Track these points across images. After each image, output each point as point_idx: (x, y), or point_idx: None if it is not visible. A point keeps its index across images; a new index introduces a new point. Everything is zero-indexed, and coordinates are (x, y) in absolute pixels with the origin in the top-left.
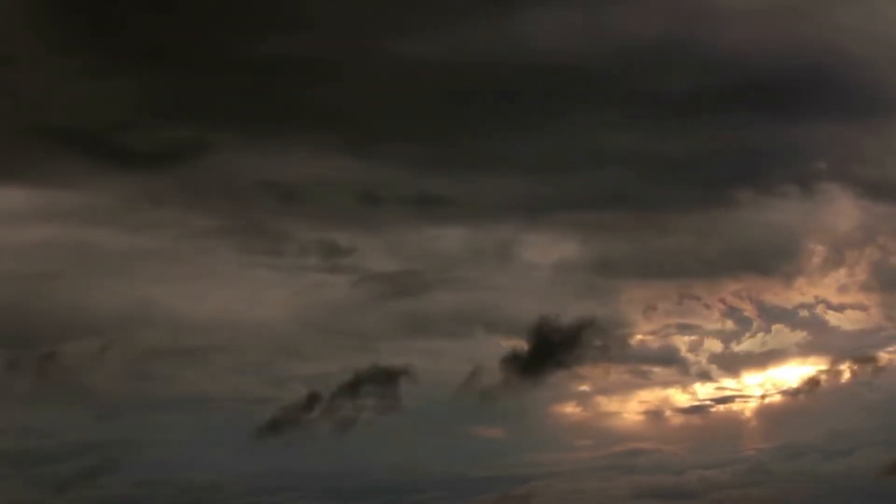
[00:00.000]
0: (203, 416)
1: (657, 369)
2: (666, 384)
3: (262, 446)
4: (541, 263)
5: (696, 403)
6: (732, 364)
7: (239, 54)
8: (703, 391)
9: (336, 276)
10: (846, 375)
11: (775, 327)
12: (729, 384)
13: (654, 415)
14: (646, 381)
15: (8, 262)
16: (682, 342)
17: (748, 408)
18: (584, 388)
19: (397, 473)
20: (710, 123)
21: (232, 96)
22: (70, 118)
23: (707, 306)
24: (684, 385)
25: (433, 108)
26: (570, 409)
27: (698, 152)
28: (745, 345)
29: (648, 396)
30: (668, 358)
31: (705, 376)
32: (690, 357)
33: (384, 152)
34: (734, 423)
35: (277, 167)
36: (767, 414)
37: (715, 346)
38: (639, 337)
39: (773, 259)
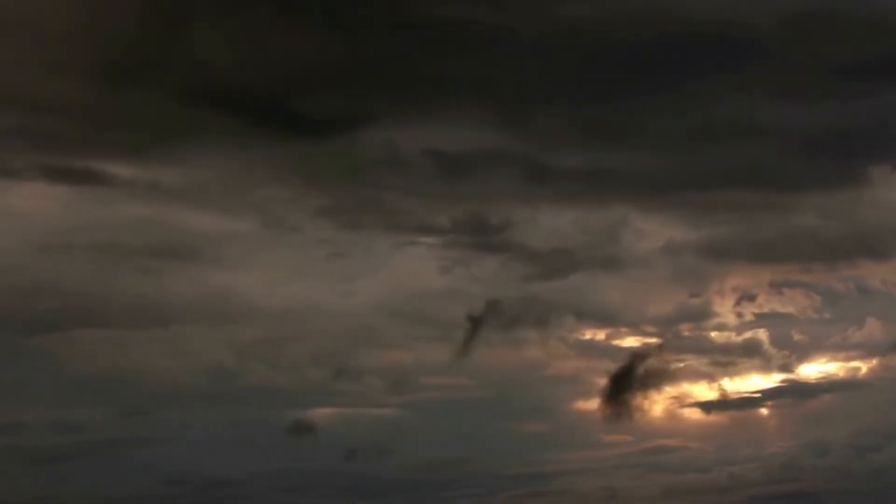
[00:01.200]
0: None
1: (739, 360)
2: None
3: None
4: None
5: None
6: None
7: (415, 14)
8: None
9: (485, 253)
10: None
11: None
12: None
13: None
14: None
15: (100, 236)
16: (769, 332)
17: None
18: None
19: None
20: (863, 96)
21: (398, 62)
22: (238, 81)
23: (809, 293)
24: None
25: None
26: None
27: (836, 127)
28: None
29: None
30: (752, 349)
31: (786, 368)
32: (772, 350)
33: (545, 123)
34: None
35: (440, 137)
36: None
37: (801, 337)
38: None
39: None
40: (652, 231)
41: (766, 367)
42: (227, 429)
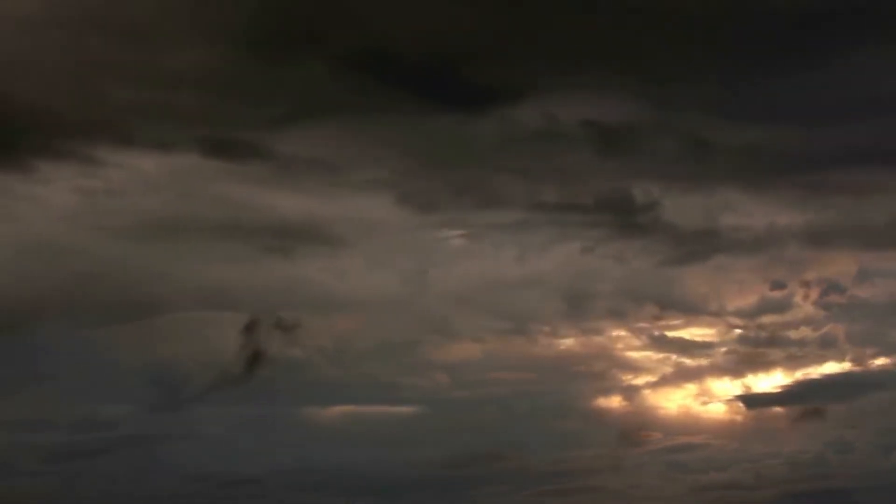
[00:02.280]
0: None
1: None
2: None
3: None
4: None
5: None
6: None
7: None
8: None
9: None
10: None
11: None
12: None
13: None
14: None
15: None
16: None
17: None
18: None
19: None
20: None
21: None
22: (397, 51)
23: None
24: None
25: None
26: None
27: None
28: None
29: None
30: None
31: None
32: (847, 345)
33: (702, 97)
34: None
35: (599, 109)
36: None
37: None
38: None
39: None
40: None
41: (839, 362)
42: (254, 424)
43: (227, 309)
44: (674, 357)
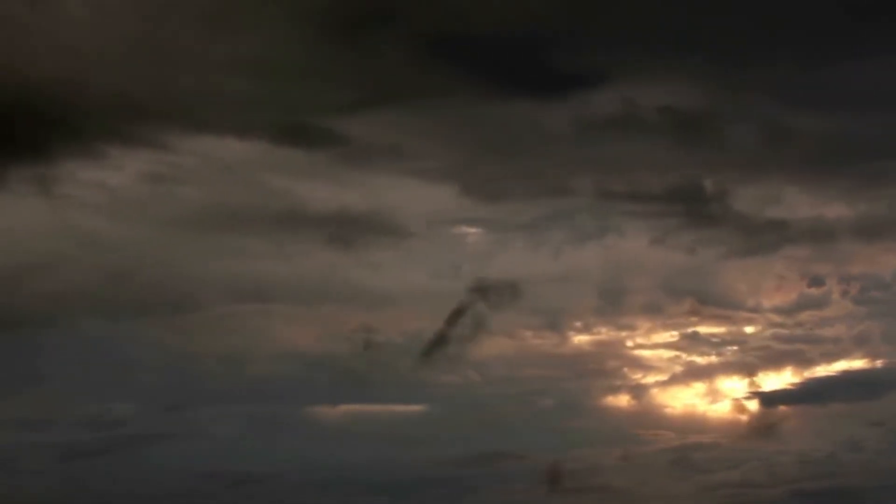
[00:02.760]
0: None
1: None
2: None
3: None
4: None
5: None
6: None
7: None
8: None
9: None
10: None
11: None
12: None
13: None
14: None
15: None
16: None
17: None
18: None
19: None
20: None
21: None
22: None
23: None
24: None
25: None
26: None
27: None
28: None
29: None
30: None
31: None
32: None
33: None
34: None
35: (676, 96)
36: None
37: None
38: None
39: None
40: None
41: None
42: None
43: (280, 302)
44: (695, 354)
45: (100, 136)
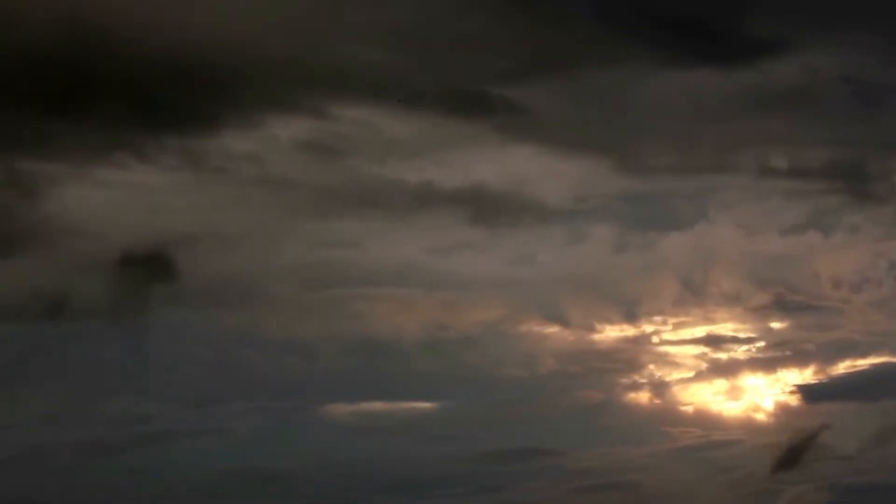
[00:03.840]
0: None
1: None
2: None
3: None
4: None
5: None
6: None
7: None
8: None
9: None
10: None
11: None
12: None
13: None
14: None
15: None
16: None
17: None
18: None
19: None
20: None
21: None
22: None
23: None
24: None
25: None
26: None
27: None
28: None
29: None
30: None
31: None
32: None
33: None
34: None
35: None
36: None
37: None
38: None
39: None
40: None
41: None
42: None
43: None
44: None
45: (259, 105)
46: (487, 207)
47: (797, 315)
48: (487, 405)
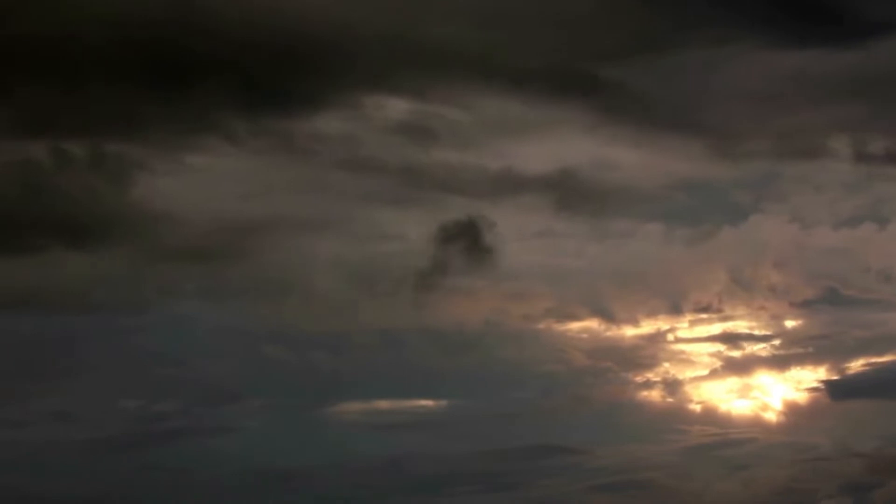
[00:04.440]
0: None
1: None
2: None
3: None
4: None
5: None
6: None
7: None
8: None
9: None
10: None
11: None
12: None
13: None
14: None
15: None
16: None
17: None
18: None
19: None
20: None
21: None
22: None
23: None
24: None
25: None
26: None
27: None
28: None
29: None
30: None
31: None
32: None
33: None
34: None
35: None
36: None
37: None
38: None
39: None
40: None
41: None
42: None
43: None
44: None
45: (358, 85)
46: (573, 194)
47: (845, 309)
48: (509, 402)
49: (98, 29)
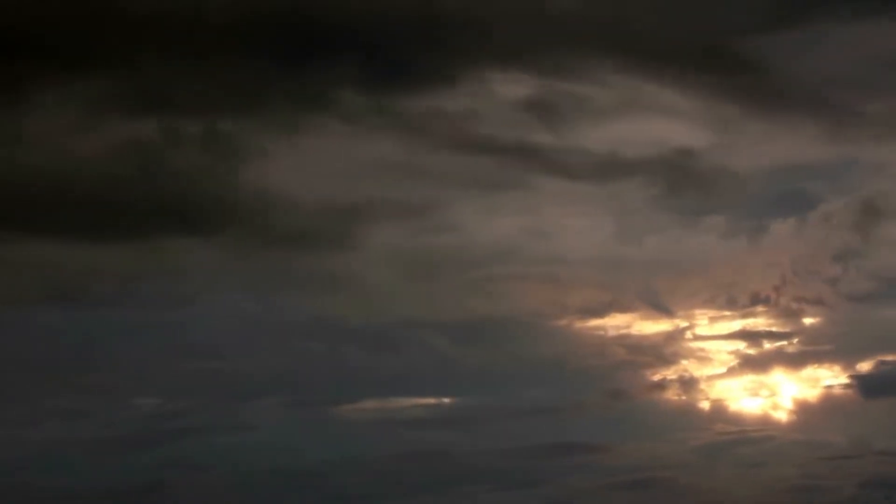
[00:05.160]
0: None
1: None
2: None
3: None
4: None
5: None
6: None
7: None
8: None
9: None
10: None
11: None
12: None
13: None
14: None
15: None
16: None
17: None
18: None
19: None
20: None
21: None
22: None
23: None
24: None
25: None
26: None
27: None
28: None
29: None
30: None
31: None
32: None
33: None
34: None
35: None
36: None
37: None
38: None
39: None
40: None
41: None
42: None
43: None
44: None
45: (484, 60)
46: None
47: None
48: (535, 399)
49: (221, 4)
